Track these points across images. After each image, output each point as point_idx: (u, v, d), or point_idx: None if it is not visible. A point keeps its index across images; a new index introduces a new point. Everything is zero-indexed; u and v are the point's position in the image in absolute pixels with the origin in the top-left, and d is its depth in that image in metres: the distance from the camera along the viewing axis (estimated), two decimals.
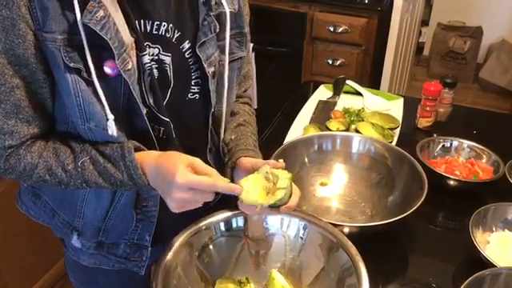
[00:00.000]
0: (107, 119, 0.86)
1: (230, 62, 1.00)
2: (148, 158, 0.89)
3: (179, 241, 0.94)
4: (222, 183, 0.86)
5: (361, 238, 1.00)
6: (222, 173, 0.98)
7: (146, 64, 0.89)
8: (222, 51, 0.97)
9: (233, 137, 1.08)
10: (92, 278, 1.13)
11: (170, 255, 0.91)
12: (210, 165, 1.05)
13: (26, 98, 0.85)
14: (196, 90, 0.98)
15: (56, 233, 1.10)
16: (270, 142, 1.41)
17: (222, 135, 1.08)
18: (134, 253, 1.03)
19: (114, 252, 1.04)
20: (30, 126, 0.87)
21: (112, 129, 0.87)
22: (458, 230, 1.20)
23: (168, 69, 0.93)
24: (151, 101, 0.92)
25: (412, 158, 1.23)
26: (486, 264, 0.97)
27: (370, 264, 0.90)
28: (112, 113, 0.86)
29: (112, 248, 1.04)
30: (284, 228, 1.01)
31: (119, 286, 1.12)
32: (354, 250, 0.92)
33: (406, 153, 1.24)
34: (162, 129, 0.96)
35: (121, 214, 0.99)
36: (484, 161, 1.36)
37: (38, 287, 2.15)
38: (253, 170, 0.94)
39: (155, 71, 0.91)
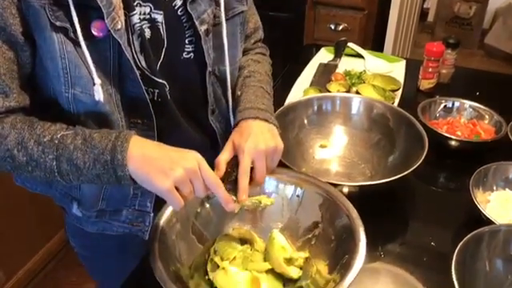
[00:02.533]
0: (94, 84, 0.83)
1: (230, 18, 0.97)
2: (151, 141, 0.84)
3: None
4: (223, 189, 0.84)
5: (360, 197, 0.99)
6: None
7: (135, 24, 0.86)
8: (219, 6, 0.94)
9: (239, 93, 1.05)
10: (93, 241, 1.13)
11: (167, 213, 0.91)
12: (212, 127, 1.07)
13: (3, 64, 0.80)
14: (191, 49, 0.96)
15: (57, 201, 1.09)
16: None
17: (229, 97, 1.05)
18: (137, 218, 1.03)
19: (116, 218, 1.03)
20: (6, 97, 0.82)
21: (99, 94, 0.84)
22: (458, 191, 1.19)
23: (161, 27, 0.90)
24: (143, 63, 0.90)
25: (413, 118, 1.21)
26: (487, 223, 0.96)
27: (369, 224, 0.89)
28: (101, 79, 0.84)
29: (114, 214, 1.03)
30: (281, 187, 1.00)
31: (120, 248, 1.13)
32: (352, 209, 0.91)
33: (406, 113, 1.22)
34: (157, 91, 0.93)
35: None
36: (486, 121, 1.34)
37: (42, 255, 2.18)
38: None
39: (147, 31, 0.88)
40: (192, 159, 0.79)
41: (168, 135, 0.97)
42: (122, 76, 0.87)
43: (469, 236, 0.87)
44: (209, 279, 0.91)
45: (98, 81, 0.83)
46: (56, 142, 0.80)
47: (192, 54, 0.96)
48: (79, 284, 2.21)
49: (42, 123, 0.82)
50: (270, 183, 1.00)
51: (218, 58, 0.99)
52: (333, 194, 0.95)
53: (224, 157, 0.91)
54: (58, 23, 0.79)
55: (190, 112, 1.03)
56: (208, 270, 0.93)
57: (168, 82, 0.94)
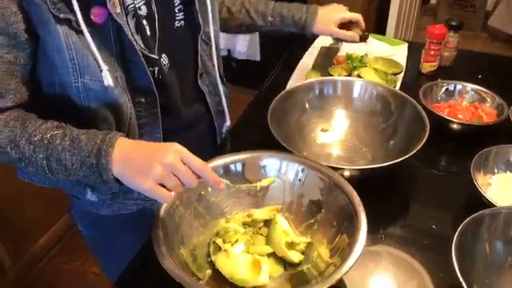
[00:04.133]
0: (101, 70, 0.85)
1: None
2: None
3: None
4: (210, 170, 0.82)
5: (361, 181, 1.00)
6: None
7: (129, 6, 0.88)
8: None
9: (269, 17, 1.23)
10: (103, 222, 1.16)
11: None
12: (200, 91, 1.11)
13: (1, 68, 0.81)
14: (181, 17, 0.99)
15: (68, 191, 1.11)
16: (272, 89, 1.39)
17: (215, 61, 1.10)
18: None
19: (129, 197, 1.07)
20: (2, 99, 0.83)
21: (107, 79, 0.86)
22: (460, 174, 1.19)
23: (152, 2, 0.93)
24: (140, 43, 0.92)
25: (414, 102, 1.21)
26: (488, 206, 0.97)
27: (370, 207, 0.89)
28: (107, 65, 0.86)
29: (127, 194, 1.07)
30: (283, 171, 1.00)
31: (129, 226, 1.14)
32: (353, 194, 0.92)
33: (408, 96, 1.22)
34: (156, 68, 0.97)
35: None
36: (488, 104, 1.33)
37: (46, 239, 2.20)
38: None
39: (144, 8, 0.91)
40: (169, 152, 0.78)
41: (170, 109, 1.03)
42: (125, 59, 0.90)
43: (469, 218, 0.87)
44: (211, 261, 0.92)
45: (104, 67, 0.85)
46: (46, 142, 0.81)
47: (183, 21, 1.00)
48: (83, 268, 2.23)
49: (34, 121, 0.84)
50: (271, 167, 1.01)
51: (205, 20, 1.03)
52: (334, 179, 0.95)
53: None
54: (61, 15, 0.80)
55: (181, 80, 1.06)
56: (210, 252, 0.94)
57: (165, 57, 0.97)
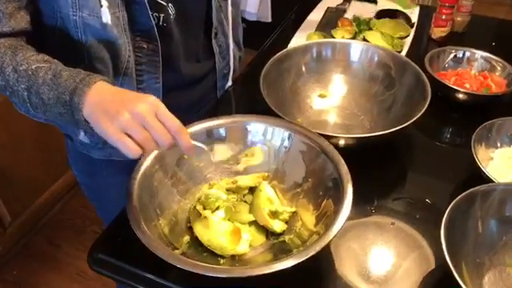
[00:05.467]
0: (101, 5, 0.84)
1: None
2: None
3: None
4: (187, 135, 0.76)
5: (357, 150, 0.95)
6: None
7: None
8: None
9: None
10: (96, 168, 1.15)
11: (149, 159, 0.88)
12: (208, 50, 1.08)
13: None
14: None
15: (62, 130, 1.10)
16: (272, 50, 1.31)
17: (230, 18, 1.07)
18: None
19: None
20: None
21: (106, 16, 0.85)
22: (461, 147, 1.13)
23: None
24: None
25: (417, 68, 1.13)
26: (486, 181, 0.91)
27: (365, 177, 0.85)
28: (109, 2, 0.84)
29: None
30: (268, 137, 0.95)
31: (122, 173, 1.12)
32: (341, 163, 0.86)
33: (410, 61, 1.15)
34: (162, 15, 0.95)
35: None
36: (498, 73, 1.25)
37: (47, 197, 2.20)
38: None
39: None
40: (142, 102, 0.72)
41: (172, 61, 1.01)
42: (128, 2, 0.88)
43: (462, 195, 0.81)
44: (190, 227, 0.88)
45: (105, 3, 0.84)
46: (30, 72, 0.79)
47: None
48: (84, 227, 2.24)
49: (26, 51, 0.82)
50: (256, 132, 0.96)
51: None
52: (323, 147, 0.90)
53: None
54: None
55: (193, 37, 1.04)
56: (190, 218, 0.90)
57: (172, 6, 0.95)
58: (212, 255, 0.84)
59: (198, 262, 0.74)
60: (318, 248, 0.73)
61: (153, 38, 0.94)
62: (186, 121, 0.92)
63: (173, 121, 0.74)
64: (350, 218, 0.78)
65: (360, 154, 0.90)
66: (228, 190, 0.95)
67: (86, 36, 0.87)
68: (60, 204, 2.29)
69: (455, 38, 1.48)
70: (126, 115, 0.71)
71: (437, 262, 0.85)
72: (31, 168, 2.06)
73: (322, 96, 1.23)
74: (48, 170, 2.14)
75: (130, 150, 0.72)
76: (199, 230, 0.86)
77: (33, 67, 0.79)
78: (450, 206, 0.81)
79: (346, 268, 0.85)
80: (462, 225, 0.81)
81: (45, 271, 2.07)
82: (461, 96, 1.18)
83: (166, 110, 0.74)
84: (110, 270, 0.86)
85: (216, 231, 0.85)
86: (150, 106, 0.72)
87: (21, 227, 2.09)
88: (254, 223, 0.90)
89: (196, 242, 0.86)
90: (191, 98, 1.15)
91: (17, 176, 2.00)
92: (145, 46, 0.95)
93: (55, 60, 0.82)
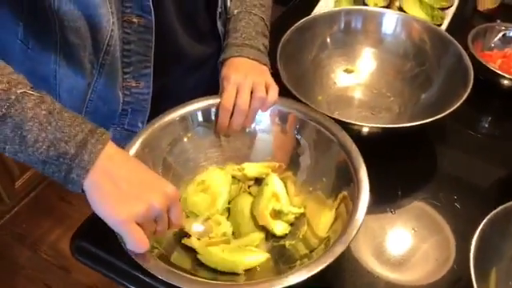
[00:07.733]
0: None
1: None
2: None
3: (148, 131, 0.80)
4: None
5: (382, 139, 0.86)
6: None
7: None
8: None
9: (235, 12, 0.94)
10: None
11: (137, 144, 0.78)
12: (219, 34, 0.96)
13: None
14: None
15: None
16: (295, 14, 1.16)
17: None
18: (125, 139, 0.90)
19: (110, 122, 0.92)
20: None
21: None
22: (502, 140, 1.00)
23: None
24: None
25: (459, 47, 0.99)
26: None
27: (388, 169, 0.81)
28: None
29: (108, 119, 0.92)
30: (276, 121, 0.84)
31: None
32: (359, 160, 0.75)
33: (451, 38, 1.00)
34: None
35: (103, 94, 0.85)
36: None
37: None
38: None
39: None
40: (163, 196, 0.63)
41: (166, 43, 0.87)
42: None
43: (499, 209, 0.69)
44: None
45: None
46: (13, 97, 0.60)
47: None
48: None
49: (4, 65, 0.63)
50: (260, 116, 0.85)
51: None
52: (340, 138, 0.79)
53: None
54: None
55: (191, 18, 0.92)
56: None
57: None
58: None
59: (199, 279, 0.66)
60: (320, 266, 0.63)
61: (146, 10, 0.79)
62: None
63: (179, 220, 0.69)
64: (365, 222, 0.68)
65: (384, 143, 0.83)
66: (233, 177, 0.84)
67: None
68: None
69: (507, 12, 1.31)
70: (144, 206, 0.61)
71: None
72: None
73: (348, 71, 1.10)
74: None
75: (138, 244, 0.63)
76: (207, 259, 0.74)
77: (17, 91, 0.61)
78: (484, 221, 0.68)
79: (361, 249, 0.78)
80: (497, 245, 0.69)
81: (55, 227, 2.04)
82: (506, 82, 1.03)
83: (180, 206, 0.68)
84: (93, 261, 0.78)
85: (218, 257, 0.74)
86: (167, 200, 0.64)
87: (30, 180, 2.05)
88: (254, 219, 0.79)
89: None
90: (196, 80, 1.02)
91: None
92: (135, 19, 0.80)
93: (44, 92, 0.64)
